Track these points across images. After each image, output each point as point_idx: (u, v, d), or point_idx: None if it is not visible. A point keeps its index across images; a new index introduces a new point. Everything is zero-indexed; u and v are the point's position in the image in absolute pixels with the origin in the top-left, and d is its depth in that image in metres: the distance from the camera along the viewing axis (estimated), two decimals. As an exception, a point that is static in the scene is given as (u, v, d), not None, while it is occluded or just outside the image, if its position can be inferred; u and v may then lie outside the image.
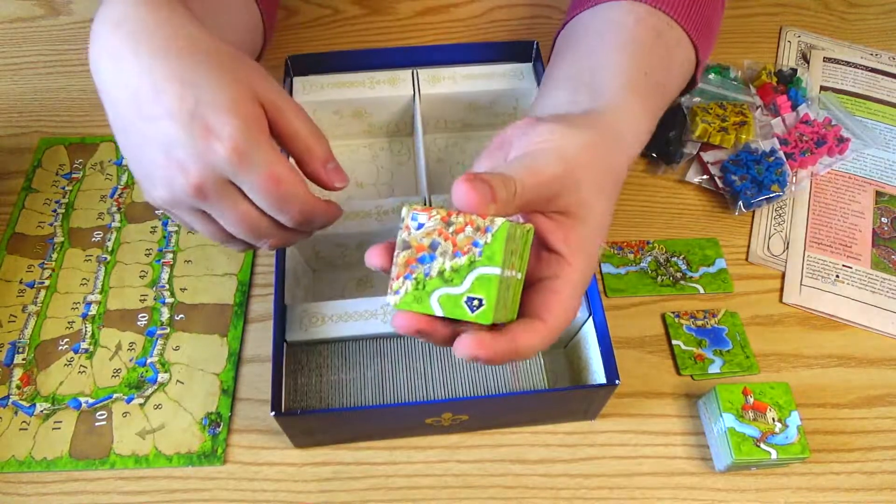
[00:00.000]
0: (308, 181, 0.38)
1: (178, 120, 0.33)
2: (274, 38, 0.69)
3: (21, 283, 0.53)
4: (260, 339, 0.51)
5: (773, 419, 0.43)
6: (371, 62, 0.57)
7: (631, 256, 0.55)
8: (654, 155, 0.60)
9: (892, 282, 0.54)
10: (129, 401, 0.48)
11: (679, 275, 0.54)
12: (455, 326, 0.31)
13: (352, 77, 0.57)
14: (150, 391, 0.48)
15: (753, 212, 0.58)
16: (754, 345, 0.50)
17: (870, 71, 0.68)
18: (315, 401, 0.44)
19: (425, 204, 0.49)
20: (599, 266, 0.54)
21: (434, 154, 0.60)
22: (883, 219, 0.58)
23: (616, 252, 0.55)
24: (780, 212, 0.58)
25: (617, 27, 0.45)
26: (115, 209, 0.57)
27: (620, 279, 0.54)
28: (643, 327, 0.51)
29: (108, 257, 0.54)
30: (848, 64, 0.69)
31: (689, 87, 0.50)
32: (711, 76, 0.65)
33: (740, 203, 0.57)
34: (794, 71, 0.66)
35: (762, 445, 0.42)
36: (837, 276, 0.54)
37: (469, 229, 0.29)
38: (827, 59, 0.69)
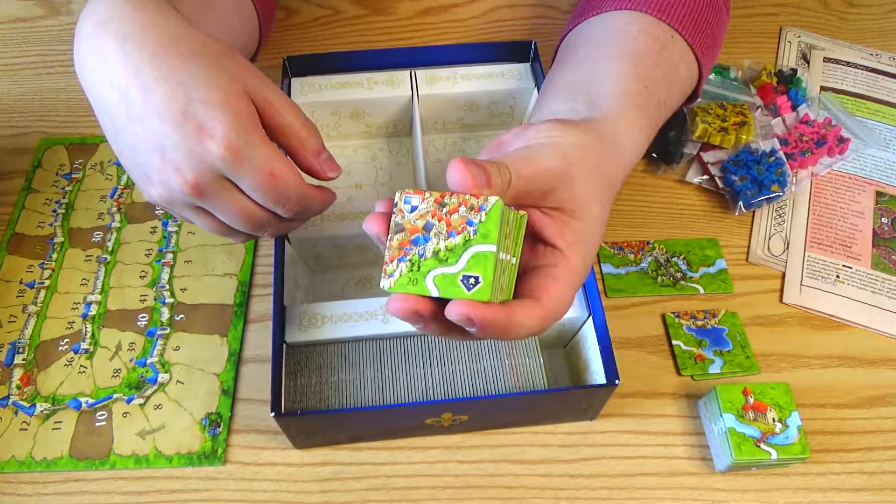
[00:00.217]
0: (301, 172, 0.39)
1: (170, 120, 0.33)
2: (274, 38, 0.69)
3: (21, 283, 0.53)
4: (260, 340, 0.51)
5: (774, 419, 0.43)
6: (369, 63, 0.57)
7: (631, 256, 0.55)
8: (654, 155, 0.60)
9: (893, 282, 0.54)
10: (129, 401, 0.48)
11: (679, 275, 0.54)
12: None
13: (350, 78, 0.57)
14: (150, 391, 0.48)
15: (753, 212, 0.58)
16: (754, 345, 0.50)
17: (870, 71, 0.68)
18: (315, 401, 0.44)
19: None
20: (599, 266, 0.54)
21: (432, 154, 0.60)
22: (883, 219, 0.58)
23: (616, 252, 0.55)
24: (781, 212, 0.58)
25: (620, 37, 0.44)
26: (115, 209, 0.57)
27: (620, 279, 0.53)
28: (643, 327, 0.51)
29: (108, 257, 0.54)
30: (848, 64, 0.69)
31: (691, 99, 0.50)
32: (712, 76, 0.65)
33: (740, 203, 0.57)
34: (795, 71, 0.66)
35: (762, 446, 0.42)
36: (838, 277, 0.54)
37: (463, 209, 0.29)
38: (827, 60, 0.69)
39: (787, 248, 0.56)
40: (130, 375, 0.49)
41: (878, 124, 0.64)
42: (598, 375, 0.43)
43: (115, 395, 0.48)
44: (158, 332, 0.51)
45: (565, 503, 0.44)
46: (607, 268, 0.54)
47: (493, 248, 0.28)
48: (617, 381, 0.41)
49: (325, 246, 0.50)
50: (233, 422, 0.47)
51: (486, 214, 0.28)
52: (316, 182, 0.40)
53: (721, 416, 0.43)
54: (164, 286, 0.53)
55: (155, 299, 0.52)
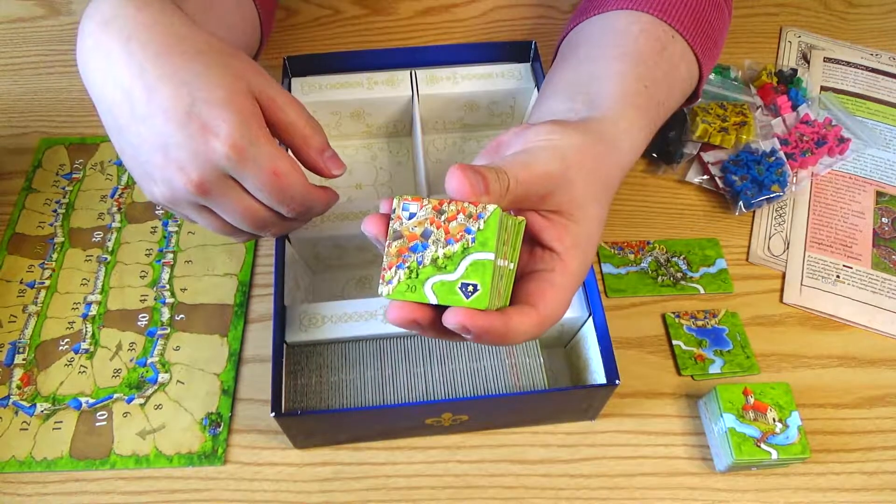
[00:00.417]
0: (305, 169, 0.39)
1: (174, 119, 0.33)
2: (274, 38, 0.69)
3: (21, 283, 0.53)
4: (260, 340, 0.51)
5: (774, 419, 0.43)
6: (369, 63, 0.57)
7: (631, 257, 0.55)
8: (655, 155, 0.60)
9: (893, 282, 0.54)
10: (129, 401, 0.48)
11: (679, 275, 0.54)
12: None
13: (350, 78, 0.57)
14: (150, 391, 0.48)
15: (754, 212, 0.58)
16: (755, 345, 0.50)
17: (870, 71, 0.68)
18: (315, 401, 0.44)
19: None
20: (600, 266, 0.54)
21: (433, 154, 0.60)
22: (883, 219, 0.57)
23: (616, 252, 0.55)
24: (781, 212, 0.58)
25: (620, 36, 0.44)
26: (115, 209, 0.57)
27: (621, 279, 0.53)
28: (643, 327, 0.51)
29: (109, 257, 0.54)
30: (848, 64, 0.69)
31: (691, 100, 0.50)
32: (712, 76, 0.65)
33: (741, 203, 0.57)
34: (795, 71, 0.66)
35: (762, 446, 0.42)
36: (838, 277, 0.54)
37: (461, 217, 0.29)
38: (827, 60, 0.69)
39: (788, 248, 0.56)
40: (131, 375, 0.49)
41: (879, 124, 0.64)
42: (598, 375, 0.43)
43: (115, 395, 0.48)
44: (159, 332, 0.51)
45: (565, 503, 0.44)
46: (607, 268, 0.54)
47: (492, 256, 0.28)
48: (617, 381, 0.41)
49: (325, 246, 0.50)
50: (233, 422, 0.47)
51: (484, 223, 0.28)
52: (320, 181, 0.40)
53: (721, 416, 0.43)
54: (164, 286, 0.53)
55: (155, 299, 0.52)
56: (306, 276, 0.51)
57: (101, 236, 0.56)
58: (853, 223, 0.57)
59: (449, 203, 0.29)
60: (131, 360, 0.49)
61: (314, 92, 0.56)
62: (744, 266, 0.55)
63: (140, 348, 0.50)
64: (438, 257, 0.29)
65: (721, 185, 0.58)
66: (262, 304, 0.52)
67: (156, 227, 0.56)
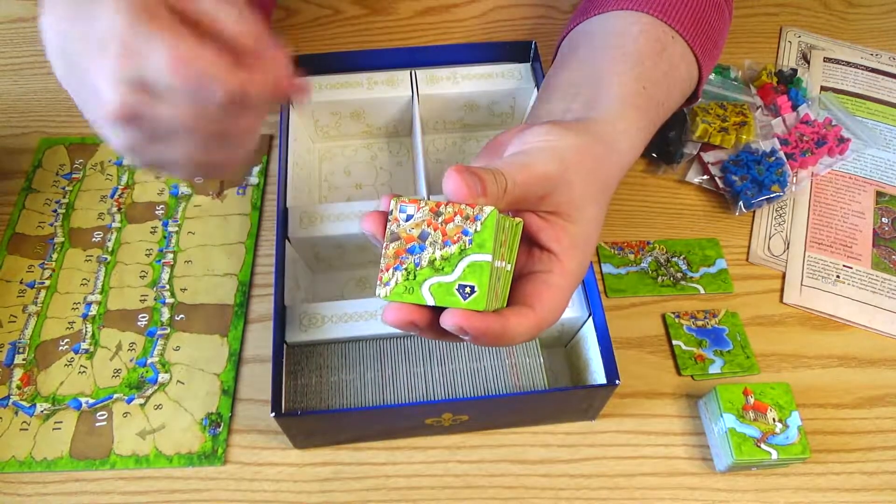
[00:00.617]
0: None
1: (84, 48, 0.31)
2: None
3: (21, 283, 0.53)
4: (260, 340, 0.51)
5: (774, 419, 0.43)
6: (369, 63, 0.57)
7: (631, 257, 0.55)
8: (655, 155, 0.60)
9: (893, 282, 0.54)
10: (129, 401, 0.48)
11: (679, 275, 0.54)
12: None
13: (350, 78, 0.57)
14: (150, 391, 0.48)
15: (754, 212, 0.58)
16: (755, 345, 0.50)
17: (870, 71, 0.68)
18: (315, 401, 0.44)
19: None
20: (599, 266, 0.54)
21: (433, 154, 0.60)
22: (883, 219, 0.57)
23: (616, 252, 0.55)
24: (781, 212, 0.58)
25: (620, 37, 0.44)
26: (115, 209, 0.57)
27: (621, 279, 0.53)
28: (643, 327, 0.51)
29: (109, 257, 0.54)
30: (848, 64, 0.69)
31: (691, 100, 0.50)
32: (712, 76, 0.65)
33: (741, 203, 0.57)
34: (795, 71, 0.66)
35: (763, 446, 0.42)
36: (838, 277, 0.54)
37: (458, 219, 0.29)
38: (827, 60, 0.69)
39: (788, 248, 0.56)
40: (131, 375, 0.49)
41: (879, 124, 0.64)
42: (598, 375, 0.43)
43: (115, 395, 0.48)
44: (159, 332, 0.51)
45: (565, 503, 0.44)
46: (607, 268, 0.54)
47: (489, 257, 0.28)
48: (617, 381, 0.41)
49: (325, 246, 0.50)
50: (233, 422, 0.47)
51: (481, 224, 0.28)
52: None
53: (721, 416, 0.43)
54: (164, 286, 0.53)
55: (155, 299, 0.52)
56: (306, 276, 0.51)
57: (101, 236, 0.56)
58: (853, 223, 0.57)
59: (446, 205, 0.29)
60: (131, 361, 0.49)
61: (314, 92, 0.56)
62: (744, 266, 0.55)
63: (140, 348, 0.50)
64: (436, 259, 0.29)
65: (721, 185, 0.58)
66: (262, 304, 0.52)
67: (156, 227, 0.56)
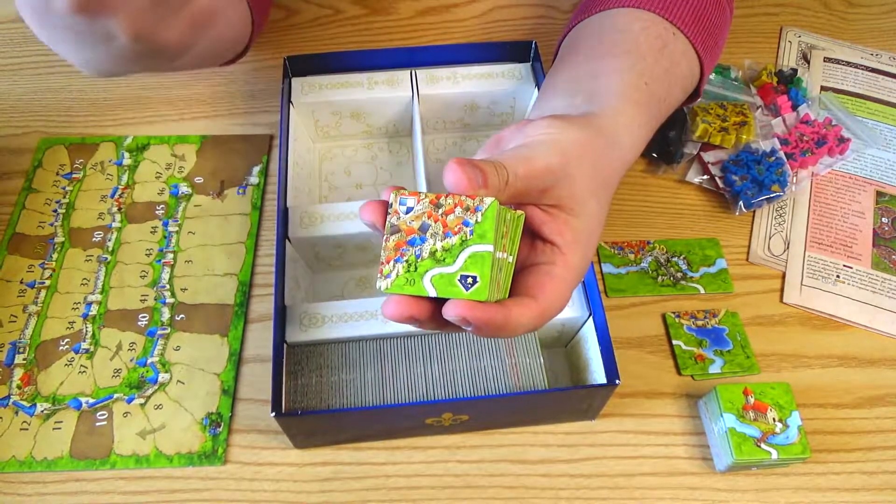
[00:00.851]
0: None
1: None
2: (274, 39, 0.69)
3: (22, 283, 0.53)
4: (260, 339, 0.51)
5: (774, 419, 0.43)
6: (369, 63, 0.58)
7: (631, 256, 0.55)
8: (655, 155, 0.60)
9: (893, 282, 0.54)
10: (129, 401, 0.48)
11: (679, 275, 0.54)
12: None
13: (350, 78, 0.57)
14: (150, 391, 0.48)
15: (754, 212, 0.58)
16: (755, 345, 0.50)
17: (870, 71, 0.68)
18: (315, 401, 0.44)
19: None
20: (600, 266, 0.54)
21: (433, 154, 0.60)
22: (883, 219, 0.58)
23: (616, 252, 0.55)
24: (781, 212, 0.58)
25: (621, 34, 0.44)
26: (115, 209, 0.57)
27: (621, 279, 0.53)
28: (643, 327, 0.51)
29: (109, 257, 0.55)
30: (848, 64, 0.69)
31: (692, 98, 0.50)
32: (712, 76, 0.65)
33: (741, 203, 0.57)
34: (795, 71, 0.66)
35: (763, 445, 0.42)
36: (838, 276, 0.54)
37: (459, 210, 0.29)
38: (827, 59, 0.69)
39: (788, 247, 0.56)
40: (131, 375, 0.49)
41: (879, 124, 0.64)
42: (598, 375, 0.43)
43: (115, 395, 0.48)
44: (159, 332, 0.51)
45: (565, 503, 0.44)
46: (608, 268, 0.54)
47: (490, 248, 0.28)
48: (617, 381, 0.41)
49: (325, 246, 0.50)
50: (233, 422, 0.47)
51: (482, 215, 0.28)
52: None
53: (721, 415, 0.43)
54: (164, 286, 0.53)
55: (155, 299, 0.52)
56: (306, 276, 0.51)
57: (102, 236, 0.56)
58: (853, 223, 0.57)
59: (446, 197, 0.29)
60: (131, 360, 0.49)
61: (314, 92, 0.56)
62: (744, 266, 0.55)
63: (140, 348, 0.50)
64: (437, 250, 0.29)
65: (721, 185, 0.58)
66: (262, 304, 0.52)
67: (156, 227, 0.56)
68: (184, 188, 0.58)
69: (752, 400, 0.44)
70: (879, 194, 0.59)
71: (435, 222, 0.29)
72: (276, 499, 0.44)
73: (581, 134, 0.35)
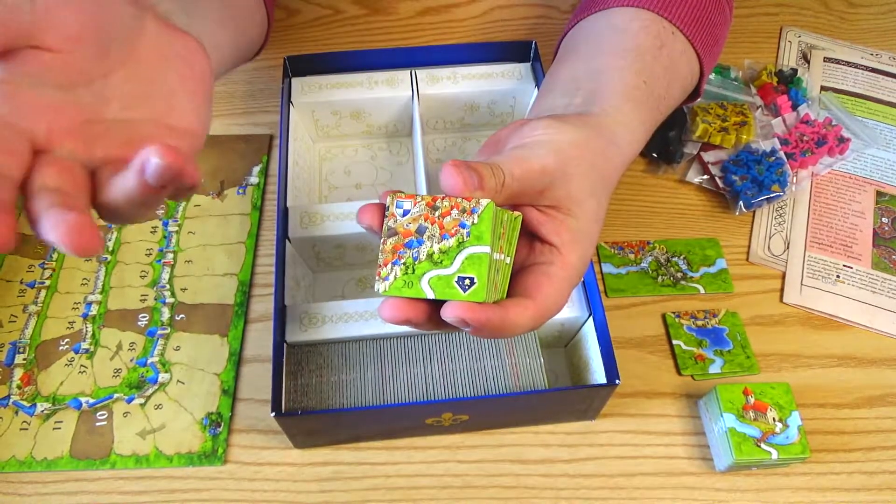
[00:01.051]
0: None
1: None
2: (274, 38, 0.69)
3: (22, 283, 0.53)
4: (260, 339, 0.51)
5: (774, 419, 0.43)
6: (369, 63, 0.58)
7: (631, 256, 0.55)
8: (655, 155, 0.60)
9: (893, 282, 0.54)
10: (129, 401, 0.48)
11: (679, 275, 0.54)
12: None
13: (350, 77, 0.57)
14: (150, 391, 0.48)
15: (754, 212, 0.58)
16: (755, 345, 0.50)
17: (870, 71, 0.68)
18: (315, 401, 0.44)
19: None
20: (600, 266, 0.54)
21: (433, 154, 0.60)
22: (883, 219, 0.57)
23: (616, 252, 0.55)
24: (781, 212, 0.58)
25: (620, 33, 0.44)
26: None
27: (621, 279, 0.53)
28: (643, 327, 0.51)
29: (109, 257, 0.55)
30: (848, 64, 0.69)
31: (692, 97, 0.50)
32: (712, 76, 0.65)
33: (741, 203, 0.57)
34: (795, 71, 0.66)
35: (763, 445, 0.42)
36: (838, 276, 0.54)
37: (455, 212, 0.29)
38: (827, 59, 0.69)
39: (788, 247, 0.56)
40: (131, 375, 0.49)
41: (879, 124, 0.64)
42: (598, 375, 0.43)
43: (115, 395, 0.48)
44: (159, 332, 0.51)
45: (565, 503, 0.44)
46: (608, 267, 0.54)
47: (487, 249, 0.28)
48: (617, 381, 0.41)
49: (325, 246, 0.50)
50: (233, 421, 0.47)
51: (478, 217, 0.29)
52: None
53: (721, 415, 0.43)
54: (164, 286, 0.53)
55: (155, 299, 0.52)
56: (306, 276, 0.51)
57: (102, 236, 0.56)
58: (853, 223, 0.57)
59: (442, 199, 0.29)
60: (131, 360, 0.49)
61: (314, 92, 0.56)
62: (744, 266, 0.55)
63: (140, 348, 0.50)
64: (434, 252, 0.29)
65: (721, 184, 0.58)
66: (262, 304, 0.52)
67: (156, 227, 0.56)
68: (184, 188, 0.58)
69: (752, 400, 0.44)
70: (879, 194, 0.59)
71: (432, 224, 0.29)
72: (276, 499, 0.44)
73: (578, 134, 0.35)
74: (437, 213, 0.29)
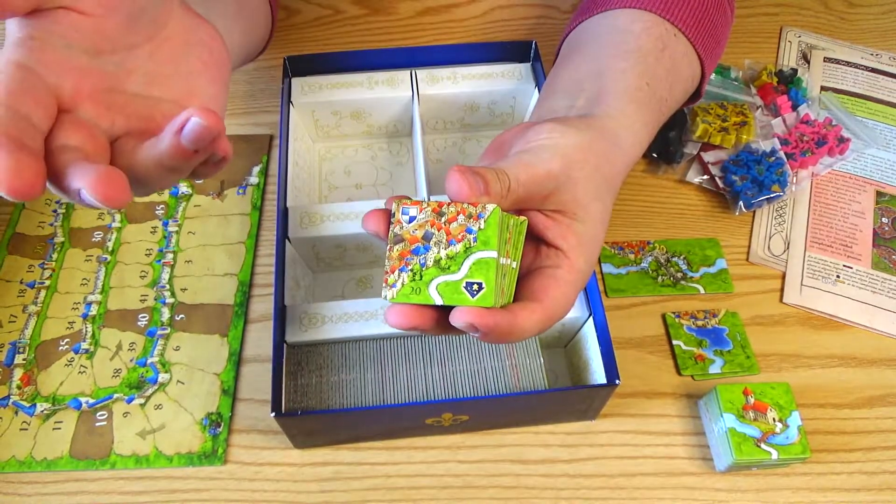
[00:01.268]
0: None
1: None
2: (274, 38, 0.69)
3: (21, 283, 0.53)
4: (260, 340, 0.51)
5: (774, 419, 0.43)
6: (369, 63, 0.57)
7: (631, 256, 0.55)
8: (655, 155, 0.60)
9: (893, 282, 0.54)
10: (129, 401, 0.48)
11: (679, 275, 0.54)
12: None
13: (350, 78, 0.57)
14: (150, 391, 0.48)
15: (754, 212, 0.58)
16: (755, 345, 0.50)
17: (870, 71, 0.68)
18: (315, 401, 0.44)
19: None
20: (600, 266, 0.54)
21: (433, 154, 0.60)
22: (883, 219, 0.57)
23: (616, 252, 0.55)
24: (781, 212, 0.58)
25: (622, 34, 0.44)
26: (115, 209, 0.57)
27: (621, 279, 0.53)
28: (643, 327, 0.51)
29: (109, 257, 0.55)
30: (848, 64, 0.69)
31: (693, 99, 0.50)
32: (712, 76, 0.65)
33: (741, 203, 0.57)
34: (795, 71, 0.66)
35: (763, 445, 0.42)
36: (838, 276, 0.54)
37: (461, 218, 0.29)
38: (827, 59, 0.69)
39: (788, 247, 0.56)
40: (131, 375, 0.49)
41: (879, 124, 0.64)
42: (598, 375, 0.43)
43: (115, 395, 0.48)
44: (159, 332, 0.51)
45: (565, 503, 0.44)
46: (608, 268, 0.54)
47: (494, 254, 0.28)
48: (617, 381, 0.41)
49: (325, 246, 0.50)
50: (233, 422, 0.47)
51: (484, 222, 0.29)
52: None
53: (721, 415, 0.43)
54: (164, 286, 0.53)
55: (155, 299, 0.52)
56: (306, 276, 0.51)
57: (101, 236, 0.56)
58: (853, 223, 0.57)
59: (448, 205, 0.29)
60: (131, 360, 0.49)
61: (314, 92, 0.56)
62: (744, 266, 0.55)
63: (140, 348, 0.50)
64: (441, 258, 0.29)
65: (721, 185, 0.58)
66: (262, 304, 0.52)
67: (156, 227, 0.56)
68: (184, 188, 0.58)
69: (752, 400, 0.44)
70: (879, 194, 0.59)
71: (438, 230, 0.29)
72: (276, 499, 0.44)
73: (582, 137, 0.35)
74: (443, 219, 0.29)
